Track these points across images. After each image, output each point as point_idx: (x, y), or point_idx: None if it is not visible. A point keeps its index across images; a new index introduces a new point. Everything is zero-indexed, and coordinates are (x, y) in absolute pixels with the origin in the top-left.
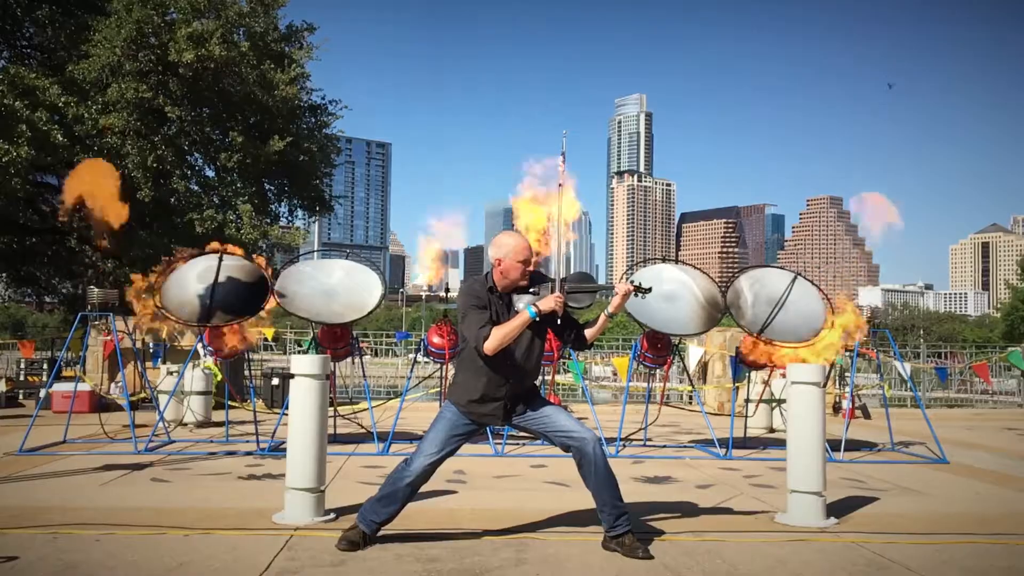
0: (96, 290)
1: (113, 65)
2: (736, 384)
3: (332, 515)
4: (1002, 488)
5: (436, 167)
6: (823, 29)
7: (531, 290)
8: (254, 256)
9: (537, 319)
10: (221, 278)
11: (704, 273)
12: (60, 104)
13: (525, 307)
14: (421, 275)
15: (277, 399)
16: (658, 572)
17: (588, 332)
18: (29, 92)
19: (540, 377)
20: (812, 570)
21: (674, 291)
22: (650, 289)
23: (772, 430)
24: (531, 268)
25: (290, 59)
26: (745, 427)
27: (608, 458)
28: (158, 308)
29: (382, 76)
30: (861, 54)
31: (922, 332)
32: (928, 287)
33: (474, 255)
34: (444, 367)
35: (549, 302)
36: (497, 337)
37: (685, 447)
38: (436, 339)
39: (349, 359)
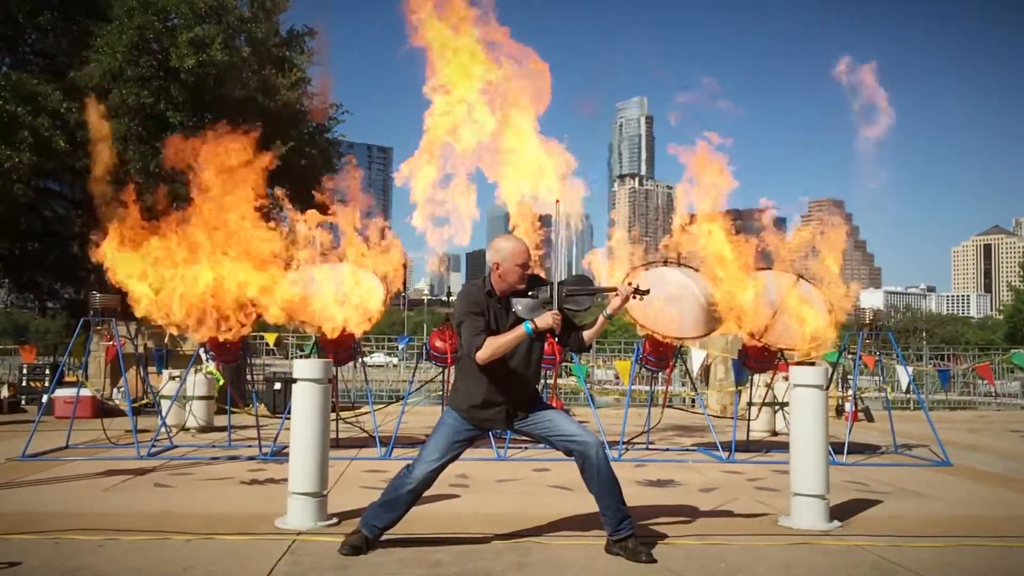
0: (98, 295)
1: (115, 71)
2: (739, 387)
3: (335, 520)
4: (1006, 491)
5: None
6: (822, 29)
7: (529, 293)
8: None
9: (533, 336)
10: None
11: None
12: (62, 110)
13: (523, 325)
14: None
15: (279, 404)
16: None
17: (586, 334)
18: (31, 98)
19: (542, 381)
20: (815, 573)
21: (676, 294)
22: (648, 291)
23: (775, 433)
24: (529, 271)
25: (291, 64)
26: (748, 430)
27: (611, 462)
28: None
29: (383, 80)
30: (862, 55)
31: (924, 334)
32: (930, 289)
33: (476, 259)
34: (446, 371)
35: (547, 320)
36: (490, 348)
37: (688, 450)
38: (438, 343)
39: (351, 363)
